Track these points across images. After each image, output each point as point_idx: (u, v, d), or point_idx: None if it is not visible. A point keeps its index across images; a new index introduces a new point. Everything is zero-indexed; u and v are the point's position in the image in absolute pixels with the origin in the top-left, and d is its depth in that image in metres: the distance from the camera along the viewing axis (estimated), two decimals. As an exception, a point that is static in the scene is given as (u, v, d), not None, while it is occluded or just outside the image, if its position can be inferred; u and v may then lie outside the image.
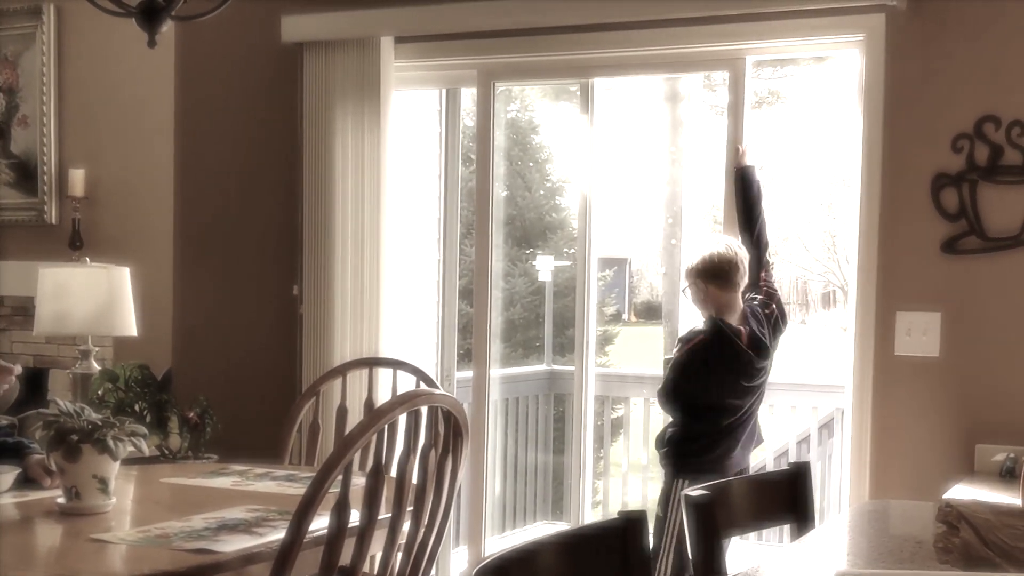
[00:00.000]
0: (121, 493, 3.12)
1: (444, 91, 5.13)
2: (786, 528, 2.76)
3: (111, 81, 5.50)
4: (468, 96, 5.24)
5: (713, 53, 4.40)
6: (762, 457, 7.31)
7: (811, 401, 6.27)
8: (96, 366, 4.77)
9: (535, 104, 10.96)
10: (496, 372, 5.10)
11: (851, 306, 4.17)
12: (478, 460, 4.81)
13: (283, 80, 5.04)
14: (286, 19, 4.89)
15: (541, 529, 7.00)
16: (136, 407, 4.58)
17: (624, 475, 6.88)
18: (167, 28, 3.32)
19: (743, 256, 4.01)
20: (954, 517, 1.85)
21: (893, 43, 4.06)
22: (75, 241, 5.47)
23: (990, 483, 3.72)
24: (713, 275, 3.97)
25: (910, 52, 4.05)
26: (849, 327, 4.23)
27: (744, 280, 4.00)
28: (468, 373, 5.03)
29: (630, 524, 1.98)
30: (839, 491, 5.21)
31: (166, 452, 4.52)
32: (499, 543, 5.54)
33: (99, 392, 4.60)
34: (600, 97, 4.76)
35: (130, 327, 4.79)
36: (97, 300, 4.67)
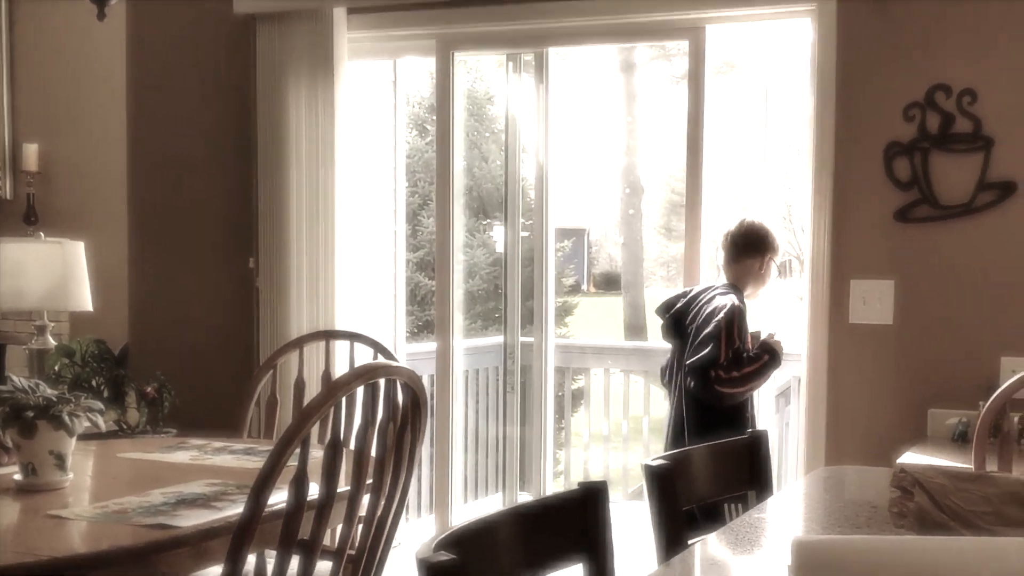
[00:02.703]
0: (79, 468, 3.10)
1: (395, 61, 5.11)
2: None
3: (64, 55, 5.43)
4: (414, 65, 5.19)
5: (673, 22, 4.40)
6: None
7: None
8: (52, 341, 4.74)
9: (491, 74, 10.94)
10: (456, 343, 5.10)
11: (806, 275, 4.20)
12: (444, 430, 4.82)
13: (236, 52, 5.00)
14: (238, -10, 4.85)
15: (502, 499, 7.04)
16: (93, 382, 4.56)
17: (585, 445, 6.91)
18: (116, 1, 3.29)
19: (736, 227, 4.09)
20: (909, 482, 1.88)
21: (844, 12, 4.08)
22: (30, 216, 5.42)
23: (943, 447, 3.78)
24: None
25: (861, 21, 4.07)
26: (805, 296, 4.26)
27: (730, 251, 4.08)
28: (422, 345, 5.02)
29: (589, 495, 1.99)
30: (796, 457, 5.26)
31: (124, 427, 4.51)
32: (464, 512, 5.57)
33: (56, 367, 4.57)
34: (556, 67, 4.76)
35: (85, 302, 4.75)
36: (52, 275, 4.63)
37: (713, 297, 3.96)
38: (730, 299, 3.90)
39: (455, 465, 4.89)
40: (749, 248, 4.04)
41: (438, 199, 4.86)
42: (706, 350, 3.81)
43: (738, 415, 3.92)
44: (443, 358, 4.84)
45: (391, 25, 4.80)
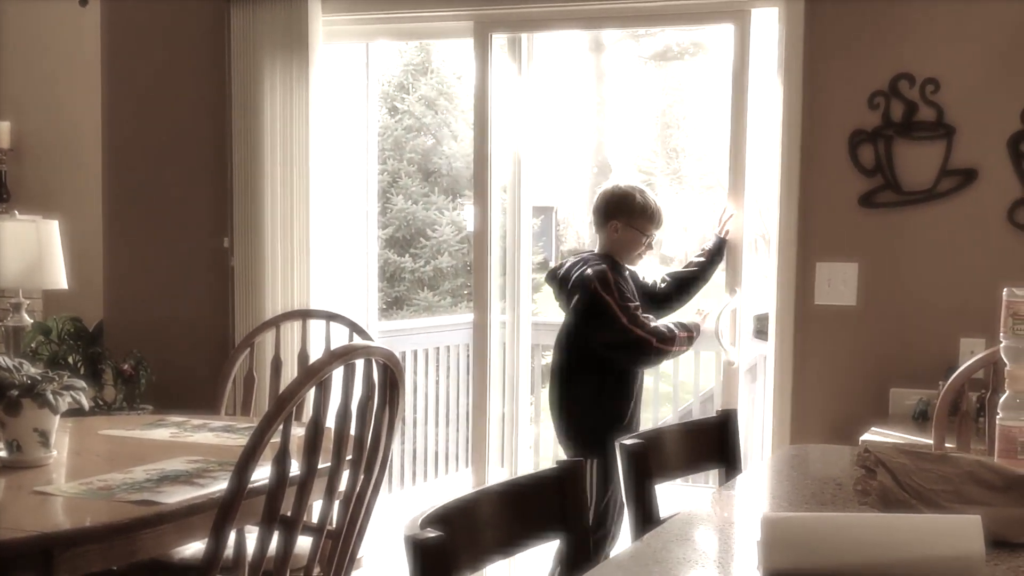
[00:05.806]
0: (59, 446, 3.13)
1: (367, 44, 5.13)
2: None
3: (37, 33, 5.42)
4: (383, 44, 5.16)
5: (715, 5, 4.32)
6: (689, 401, 7.46)
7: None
8: (28, 319, 4.76)
9: (460, 51, 10.96)
10: (427, 321, 5.14)
11: (773, 258, 4.29)
12: (482, 394, 4.82)
13: (210, 33, 5.02)
14: (213, -29, 4.87)
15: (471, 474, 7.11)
16: (70, 359, 4.59)
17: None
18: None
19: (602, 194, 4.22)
20: (872, 462, 1.96)
21: (811, 1, 4.15)
22: (2, 194, 5.42)
23: (904, 426, 3.88)
24: None
25: (828, 9, 4.14)
26: (769, 276, 4.36)
27: (597, 219, 4.22)
28: (394, 323, 5.04)
29: (567, 473, 2.07)
30: (761, 432, 5.37)
31: (100, 403, 4.55)
32: (429, 487, 5.63)
33: (32, 345, 4.60)
34: (525, 47, 4.75)
35: (60, 280, 4.77)
36: (27, 253, 4.65)
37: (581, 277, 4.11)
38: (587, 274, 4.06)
39: (427, 440, 4.94)
40: (599, 215, 4.18)
41: (476, 188, 4.77)
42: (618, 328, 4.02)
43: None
44: (480, 332, 4.78)
45: (367, 9, 4.81)
